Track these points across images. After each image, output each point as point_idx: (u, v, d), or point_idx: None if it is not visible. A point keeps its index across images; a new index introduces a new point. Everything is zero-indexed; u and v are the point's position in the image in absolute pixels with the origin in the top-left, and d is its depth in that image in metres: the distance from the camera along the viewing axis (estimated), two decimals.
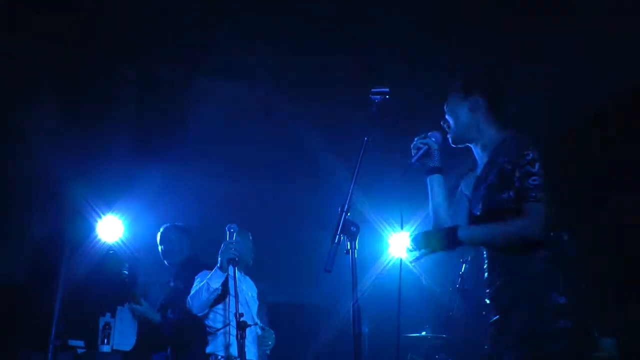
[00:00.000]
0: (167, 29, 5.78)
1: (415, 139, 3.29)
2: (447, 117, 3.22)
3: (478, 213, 3.02)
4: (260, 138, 6.83)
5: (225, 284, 4.56)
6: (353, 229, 2.91)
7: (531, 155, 2.86)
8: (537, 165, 2.83)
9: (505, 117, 3.14)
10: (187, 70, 6.53)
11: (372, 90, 3.23)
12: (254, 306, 4.95)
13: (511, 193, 2.87)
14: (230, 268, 4.50)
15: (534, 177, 2.82)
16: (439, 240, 3.05)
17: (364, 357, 2.99)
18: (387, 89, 3.22)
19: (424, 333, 5.57)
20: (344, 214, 2.91)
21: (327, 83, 6.48)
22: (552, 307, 2.76)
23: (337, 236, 2.86)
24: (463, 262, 4.43)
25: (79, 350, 5.74)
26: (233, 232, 4.69)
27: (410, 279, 6.63)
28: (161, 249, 5.41)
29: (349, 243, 2.89)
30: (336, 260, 2.80)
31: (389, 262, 6.64)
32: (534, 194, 2.80)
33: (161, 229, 5.47)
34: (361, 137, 3.12)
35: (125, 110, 6.51)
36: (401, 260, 6.43)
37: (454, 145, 3.22)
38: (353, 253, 2.89)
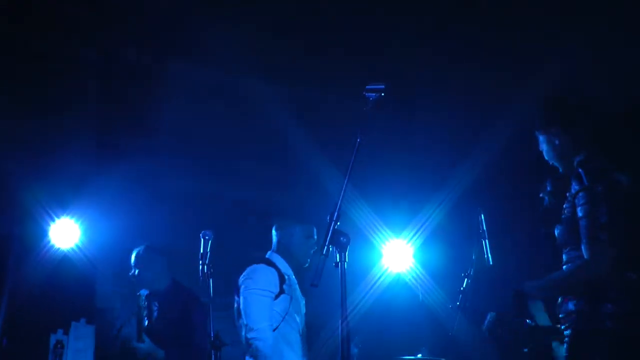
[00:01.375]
0: (134, 7, 5.86)
1: None
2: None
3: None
4: (237, 132, 6.97)
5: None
6: (343, 239, 3.08)
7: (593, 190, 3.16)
8: (602, 204, 3.12)
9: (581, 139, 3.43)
10: (157, 55, 6.66)
11: (367, 87, 3.43)
12: None
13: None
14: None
15: (600, 217, 3.11)
16: None
17: None
18: (383, 86, 3.42)
19: (419, 355, 5.71)
20: (333, 223, 3.09)
21: (313, 69, 6.61)
22: None
23: (326, 247, 3.03)
24: (465, 277, 4.61)
25: None
26: (208, 240, 4.86)
27: (405, 294, 6.85)
28: (136, 273, 5.69)
29: (338, 255, 3.07)
30: (324, 273, 2.97)
31: (382, 275, 6.81)
32: (602, 236, 3.09)
33: (135, 251, 5.70)
34: (351, 132, 3.32)
35: (85, 100, 6.63)
36: (397, 274, 6.72)
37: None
38: (343, 266, 3.07)
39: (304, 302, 5.00)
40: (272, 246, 5.12)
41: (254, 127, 6.93)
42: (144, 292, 5.72)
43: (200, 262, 4.84)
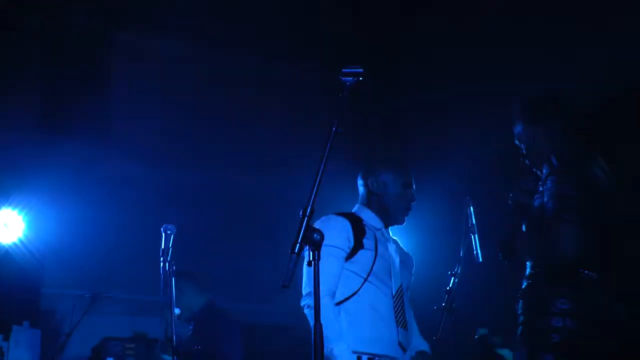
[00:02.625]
0: None
1: None
2: None
3: None
4: (201, 110, 7.17)
5: None
6: (316, 236, 3.28)
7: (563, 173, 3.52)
8: (567, 187, 3.47)
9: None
10: (109, 22, 6.80)
11: (343, 70, 3.61)
12: None
13: None
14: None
15: (566, 200, 3.45)
16: None
17: None
18: (361, 69, 3.60)
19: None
20: (306, 219, 3.28)
21: (287, 41, 6.78)
22: None
23: (297, 245, 3.22)
24: (451, 276, 4.77)
25: None
26: (170, 235, 5.07)
27: None
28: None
29: (311, 253, 3.27)
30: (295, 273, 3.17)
31: None
32: (566, 216, 3.41)
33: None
34: (328, 119, 3.54)
35: (29, 72, 6.77)
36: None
37: None
38: (316, 265, 3.26)
39: (405, 260, 4.66)
40: (359, 199, 4.67)
41: (217, 103, 7.06)
42: (177, 310, 5.98)
43: (162, 258, 5.05)
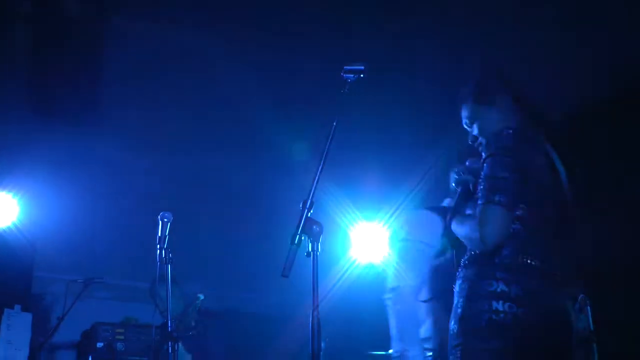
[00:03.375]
0: None
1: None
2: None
3: None
4: (192, 97, 7.15)
5: None
6: (316, 228, 3.39)
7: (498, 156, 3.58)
8: (500, 170, 3.52)
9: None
10: (101, 7, 6.74)
11: (345, 67, 3.75)
12: None
13: None
14: None
15: (498, 181, 3.50)
16: None
17: None
18: (362, 67, 3.74)
19: (391, 351, 6.13)
20: (306, 211, 3.42)
21: (280, 26, 6.71)
22: None
23: (297, 236, 3.35)
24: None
25: None
26: (167, 222, 5.17)
27: (377, 284, 7.22)
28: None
29: (310, 244, 3.37)
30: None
31: (352, 263, 7.06)
32: (497, 198, 3.47)
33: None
34: (321, 104, 3.67)
35: (20, 56, 6.72)
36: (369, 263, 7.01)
37: None
38: (315, 256, 3.37)
39: None
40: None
41: (213, 94, 7.10)
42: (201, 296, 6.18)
43: (158, 246, 5.15)
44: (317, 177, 3.53)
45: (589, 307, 5.52)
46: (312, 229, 3.39)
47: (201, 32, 6.70)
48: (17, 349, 6.78)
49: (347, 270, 7.00)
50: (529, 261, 3.47)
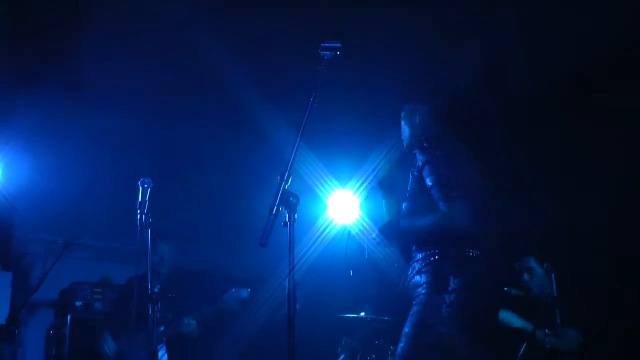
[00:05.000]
0: None
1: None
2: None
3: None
4: (172, 66, 7.05)
5: None
6: (292, 200, 3.56)
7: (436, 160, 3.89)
8: (442, 169, 3.86)
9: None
10: None
11: (322, 45, 3.89)
12: None
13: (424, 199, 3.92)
14: None
15: (443, 180, 3.85)
16: None
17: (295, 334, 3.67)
18: (339, 44, 3.89)
19: (362, 314, 6.31)
20: (283, 183, 3.57)
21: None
22: None
23: (275, 207, 3.51)
24: None
25: None
26: (147, 188, 5.29)
27: (351, 248, 7.36)
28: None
29: (287, 215, 3.54)
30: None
31: (326, 228, 7.18)
32: (453, 194, 3.81)
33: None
34: (298, 70, 3.80)
35: None
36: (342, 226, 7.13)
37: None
38: (292, 226, 3.55)
39: None
40: None
41: (191, 55, 7.05)
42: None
43: (138, 211, 5.26)
44: (294, 152, 3.66)
45: (553, 275, 5.75)
46: (289, 200, 3.55)
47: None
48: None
49: (322, 233, 7.10)
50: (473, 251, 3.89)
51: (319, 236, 7.05)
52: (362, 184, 7.09)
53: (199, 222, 8.30)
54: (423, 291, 3.84)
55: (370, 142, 7.25)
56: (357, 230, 5.01)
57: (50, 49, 6.74)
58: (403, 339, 3.85)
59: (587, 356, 5.75)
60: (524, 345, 5.74)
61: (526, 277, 5.92)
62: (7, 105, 6.76)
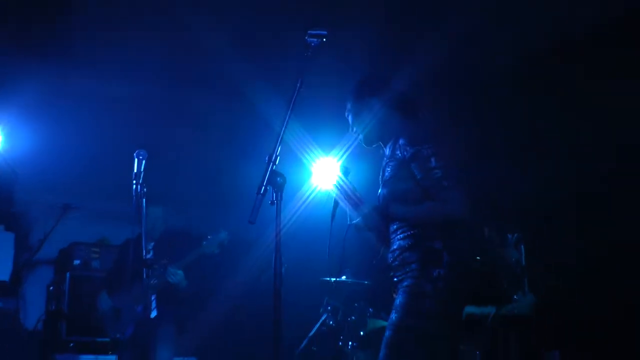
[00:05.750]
0: None
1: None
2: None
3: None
4: (163, 38, 7.03)
5: None
6: (279, 180, 3.69)
7: (425, 152, 3.91)
8: (433, 161, 3.87)
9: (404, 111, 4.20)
10: None
11: (309, 32, 3.99)
12: None
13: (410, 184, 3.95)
14: None
15: (435, 171, 3.86)
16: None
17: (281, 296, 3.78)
18: (325, 32, 3.98)
19: (344, 277, 6.48)
20: (271, 164, 3.71)
21: None
22: None
23: (263, 187, 3.64)
24: None
25: None
26: (142, 160, 5.38)
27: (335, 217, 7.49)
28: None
29: (274, 194, 3.67)
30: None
31: (310, 194, 7.27)
32: (445, 183, 3.84)
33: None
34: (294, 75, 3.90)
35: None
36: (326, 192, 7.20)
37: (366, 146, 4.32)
38: (279, 204, 3.70)
39: None
40: None
41: (187, 21, 7.00)
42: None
43: (134, 182, 5.37)
44: (281, 133, 3.80)
45: (522, 246, 5.88)
46: (276, 180, 3.69)
47: None
48: (1, 265, 7.09)
49: (307, 198, 7.17)
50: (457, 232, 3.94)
51: (303, 202, 7.11)
52: (344, 152, 7.18)
53: (196, 186, 8.43)
54: (415, 266, 3.88)
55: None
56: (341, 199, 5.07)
57: (46, 19, 6.71)
58: (396, 309, 3.90)
59: (543, 320, 5.86)
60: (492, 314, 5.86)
61: (497, 248, 6.01)
62: (9, 79, 6.82)
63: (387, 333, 3.90)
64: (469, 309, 5.90)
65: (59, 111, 7.21)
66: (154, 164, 5.60)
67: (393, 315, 3.91)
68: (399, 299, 3.92)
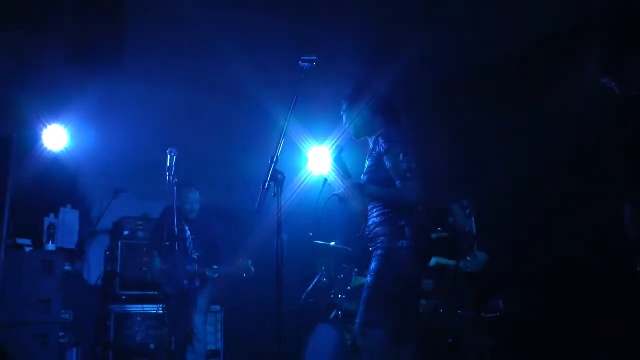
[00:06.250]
0: None
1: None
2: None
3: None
4: (193, 49, 6.78)
5: None
6: (280, 177, 3.71)
7: (395, 149, 3.94)
8: (401, 156, 3.91)
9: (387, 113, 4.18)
10: None
11: (302, 58, 3.94)
12: None
13: (384, 173, 3.98)
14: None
15: (402, 164, 3.90)
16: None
17: (285, 258, 3.83)
18: (315, 57, 3.94)
19: (333, 243, 6.42)
20: (273, 164, 3.71)
21: None
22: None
23: (267, 183, 3.66)
24: None
25: (27, 249, 6.35)
26: (174, 156, 5.34)
27: (326, 193, 7.39)
28: (186, 208, 6.46)
29: (276, 188, 3.68)
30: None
31: (307, 177, 7.16)
32: (408, 175, 3.89)
33: (186, 191, 6.38)
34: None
35: (66, 21, 6.44)
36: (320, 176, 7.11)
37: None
38: (280, 197, 3.70)
39: None
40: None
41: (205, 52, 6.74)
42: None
43: (168, 173, 5.40)
44: (281, 139, 3.78)
45: (473, 218, 5.82)
46: (278, 177, 3.70)
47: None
48: (69, 236, 7.05)
49: (303, 181, 7.09)
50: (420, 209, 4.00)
51: (301, 184, 7.00)
52: (335, 142, 7.06)
53: (217, 170, 8.36)
54: (384, 239, 3.94)
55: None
56: (331, 179, 5.02)
57: (102, 41, 6.55)
58: (371, 274, 3.96)
59: (493, 276, 5.83)
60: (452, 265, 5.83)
61: (451, 220, 5.96)
62: (72, 88, 6.70)
63: (364, 294, 3.97)
64: (438, 260, 5.99)
65: (112, 114, 7.13)
66: (186, 155, 5.56)
67: (368, 278, 3.98)
68: (372, 265, 3.99)
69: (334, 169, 4.24)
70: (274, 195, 3.70)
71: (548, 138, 6.01)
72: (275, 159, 3.70)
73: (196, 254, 6.48)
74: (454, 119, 6.80)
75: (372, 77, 4.51)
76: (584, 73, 5.18)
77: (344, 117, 4.30)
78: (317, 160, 7.12)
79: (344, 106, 4.30)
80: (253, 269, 6.38)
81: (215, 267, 6.32)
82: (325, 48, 6.52)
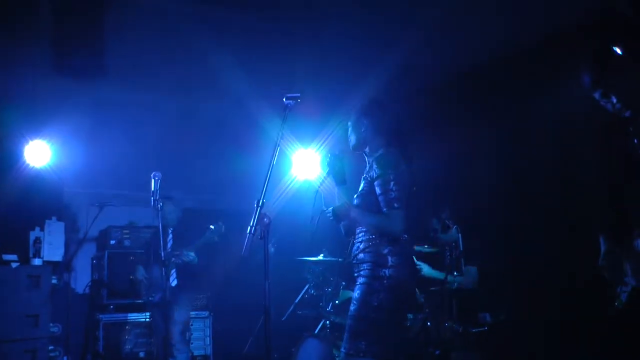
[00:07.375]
0: None
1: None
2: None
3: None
4: (181, 55, 6.55)
5: None
6: (266, 220, 3.68)
7: (387, 176, 3.88)
8: (392, 184, 3.85)
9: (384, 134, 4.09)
10: None
11: (286, 95, 3.91)
12: None
13: (374, 198, 3.93)
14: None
15: (391, 193, 3.84)
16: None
17: (270, 273, 3.82)
18: (299, 94, 3.90)
19: (321, 256, 6.38)
20: (259, 208, 3.66)
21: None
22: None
23: (254, 227, 3.61)
24: None
25: (13, 265, 6.30)
26: (157, 180, 5.27)
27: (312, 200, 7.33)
28: (166, 219, 6.37)
29: (262, 231, 3.64)
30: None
31: (291, 182, 7.05)
32: (395, 205, 3.83)
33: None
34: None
35: (43, 30, 6.29)
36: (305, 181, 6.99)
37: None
38: (266, 238, 3.69)
39: None
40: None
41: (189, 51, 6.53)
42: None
43: (152, 197, 5.30)
44: (266, 181, 3.74)
45: (460, 234, 5.81)
46: (264, 220, 3.68)
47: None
48: (56, 248, 6.99)
49: (288, 185, 7.02)
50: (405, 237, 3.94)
51: (285, 189, 6.92)
52: (321, 145, 6.92)
53: (207, 173, 8.30)
54: (367, 267, 3.92)
55: (329, 108, 7.11)
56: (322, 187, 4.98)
57: (82, 50, 6.42)
58: (354, 302, 3.94)
59: (482, 290, 5.86)
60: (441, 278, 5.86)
61: (441, 235, 5.95)
62: (53, 102, 6.57)
63: (348, 322, 3.95)
64: (428, 272, 6.08)
65: (95, 126, 6.98)
66: (173, 159, 5.47)
67: (351, 307, 3.96)
68: (355, 293, 3.97)
69: (326, 174, 4.17)
70: (261, 238, 3.66)
71: (534, 148, 5.99)
72: (261, 203, 3.65)
73: (168, 238, 6.61)
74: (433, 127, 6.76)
75: (389, 99, 4.46)
76: (572, 79, 5.17)
77: (349, 129, 4.23)
78: (302, 165, 7.03)
79: (352, 117, 4.23)
80: (223, 227, 6.47)
81: (187, 250, 6.45)
82: (314, 47, 6.41)
